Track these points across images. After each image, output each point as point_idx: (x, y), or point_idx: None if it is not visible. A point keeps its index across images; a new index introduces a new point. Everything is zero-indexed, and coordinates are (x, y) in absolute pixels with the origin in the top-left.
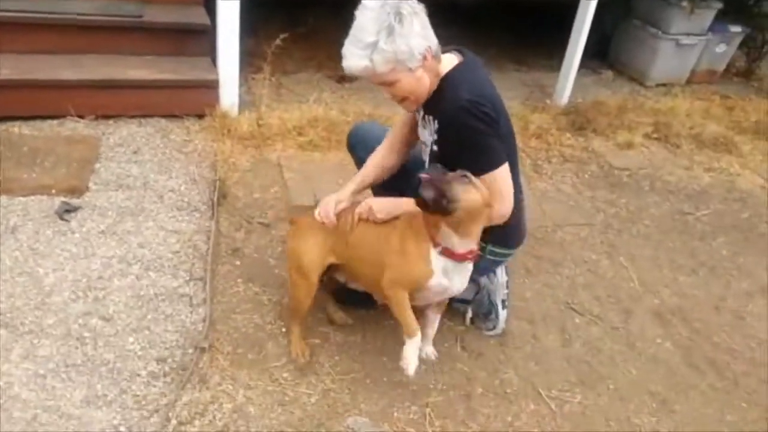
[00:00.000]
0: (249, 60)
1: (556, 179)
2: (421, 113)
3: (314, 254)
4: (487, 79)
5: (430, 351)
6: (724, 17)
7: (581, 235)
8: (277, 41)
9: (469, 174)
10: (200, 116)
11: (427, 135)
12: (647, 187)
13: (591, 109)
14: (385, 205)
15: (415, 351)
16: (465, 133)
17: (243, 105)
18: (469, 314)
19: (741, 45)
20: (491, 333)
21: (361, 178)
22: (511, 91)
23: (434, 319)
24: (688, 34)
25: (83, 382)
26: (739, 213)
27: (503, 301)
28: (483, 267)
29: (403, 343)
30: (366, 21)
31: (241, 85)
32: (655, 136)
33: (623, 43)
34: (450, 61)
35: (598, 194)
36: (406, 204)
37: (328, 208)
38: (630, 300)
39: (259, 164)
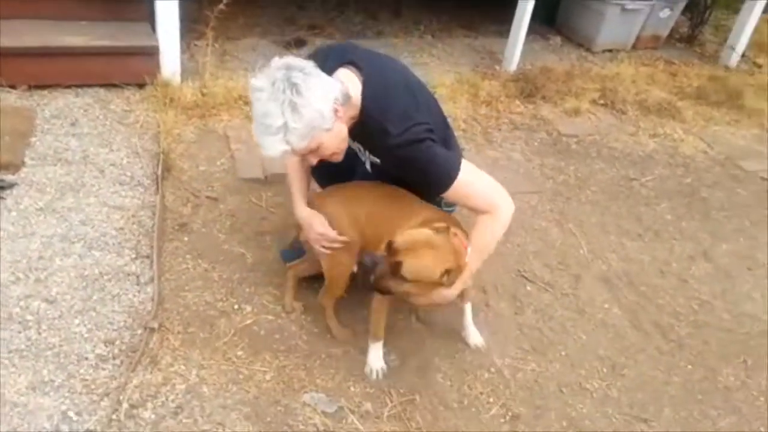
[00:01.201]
0: (191, 26)
1: (506, 147)
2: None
3: (353, 229)
4: (395, 82)
5: (477, 341)
6: None
7: (531, 204)
8: (221, 6)
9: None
10: (141, 85)
11: (360, 151)
12: (594, 153)
13: (540, 76)
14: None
15: (378, 356)
16: (408, 166)
17: (186, 73)
18: None
19: (684, 10)
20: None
21: (302, 191)
22: (461, 57)
23: (465, 312)
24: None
25: (28, 367)
26: (682, 178)
27: None
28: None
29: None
30: (263, 105)
31: (183, 52)
32: (601, 102)
33: (571, 8)
34: (353, 82)
35: (547, 161)
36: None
37: (325, 231)
38: (579, 266)
39: (204, 135)
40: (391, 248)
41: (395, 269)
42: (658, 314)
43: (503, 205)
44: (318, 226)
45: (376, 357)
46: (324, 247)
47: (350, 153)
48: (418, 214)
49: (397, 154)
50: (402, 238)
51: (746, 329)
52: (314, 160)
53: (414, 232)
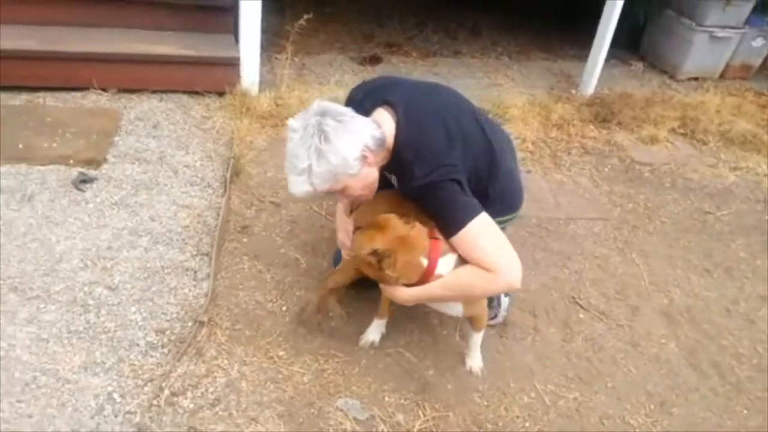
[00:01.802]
0: (273, 39)
1: (574, 171)
2: None
3: None
4: (430, 120)
5: (474, 365)
6: (762, 10)
7: (594, 230)
8: (301, 21)
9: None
10: (221, 94)
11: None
12: (668, 183)
13: (617, 101)
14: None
15: (375, 329)
16: (427, 204)
17: (264, 84)
18: None
19: None
20: (492, 322)
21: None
22: (537, 80)
23: (472, 335)
24: (723, 27)
25: (83, 348)
26: (762, 214)
27: None
28: None
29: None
30: (294, 146)
31: (263, 65)
32: (681, 131)
33: (656, 34)
34: (388, 123)
35: (616, 189)
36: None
37: (342, 240)
38: (638, 298)
39: (275, 144)
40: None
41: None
42: (719, 354)
43: (504, 270)
44: (340, 233)
45: (374, 331)
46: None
47: None
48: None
49: (416, 194)
50: (366, 215)
51: None
52: (344, 200)
53: (381, 216)
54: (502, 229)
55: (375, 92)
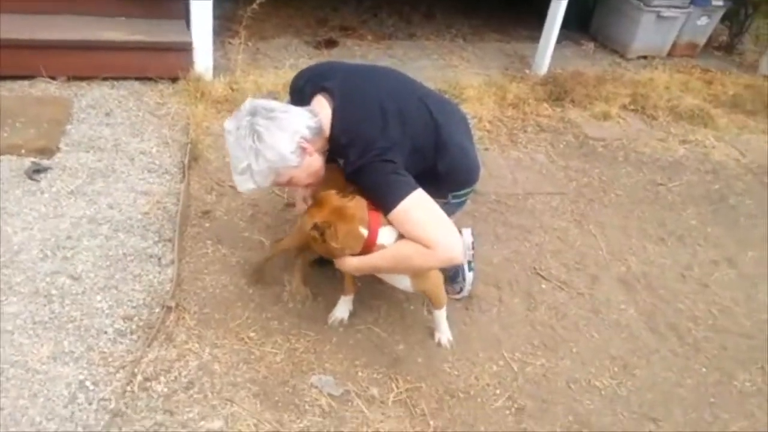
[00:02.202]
0: (226, 24)
1: (531, 148)
2: None
3: None
4: (368, 104)
5: (442, 339)
6: None
7: (552, 204)
8: (254, 5)
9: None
10: (174, 79)
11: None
12: (621, 157)
13: (570, 80)
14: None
15: (343, 306)
16: (363, 186)
17: (218, 69)
18: None
19: (723, 18)
20: (458, 297)
21: None
22: (491, 61)
23: (434, 311)
24: (669, 6)
25: (50, 338)
26: (711, 184)
27: (469, 263)
28: (451, 212)
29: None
30: (231, 148)
31: (217, 50)
32: (632, 107)
33: (605, 15)
34: (325, 110)
35: (572, 164)
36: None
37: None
38: (597, 267)
39: None
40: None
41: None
42: (676, 317)
43: (441, 246)
44: (298, 203)
45: (341, 308)
46: None
47: None
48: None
49: (353, 177)
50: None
51: (766, 336)
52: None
53: (320, 193)
54: (461, 203)
55: (315, 78)
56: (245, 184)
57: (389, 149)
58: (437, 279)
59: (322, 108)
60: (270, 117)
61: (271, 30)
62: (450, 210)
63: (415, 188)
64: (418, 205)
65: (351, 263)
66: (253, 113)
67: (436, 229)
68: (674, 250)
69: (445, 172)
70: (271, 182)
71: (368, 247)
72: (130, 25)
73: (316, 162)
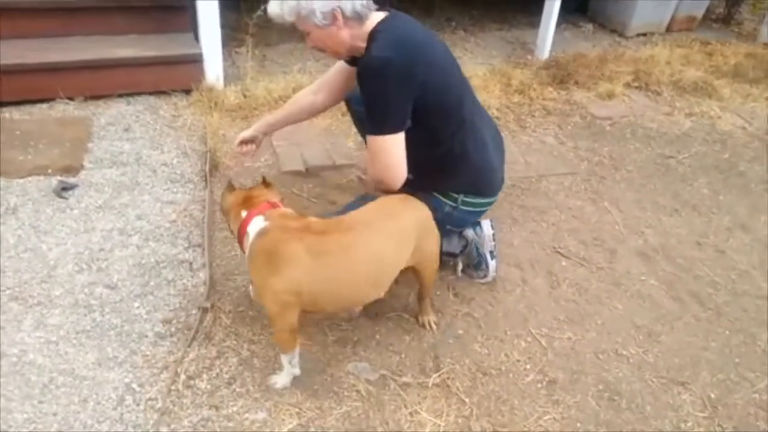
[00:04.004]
0: (232, 34)
1: (540, 132)
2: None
3: None
4: (409, 35)
5: (427, 320)
6: None
7: (565, 184)
8: (259, 12)
9: None
10: (187, 91)
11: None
12: (629, 134)
13: (572, 62)
14: None
15: (287, 371)
16: (364, 89)
17: (228, 78)
18: (460, 266)
19: None
20: (483, 281)
21: (274, 116)
22: (494, 50)
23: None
24: None
25: (94, 345)
26: (720, 154)
27: (491, 252)
28: (460, 218)
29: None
30: None
31: (225, 60)
32: (635, 84)
33: None
34: (378, 18)
35: (581, 144)
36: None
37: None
38: (614, 241)
39: None
40: None
41: None
42: (696, 284)
43: (386, 175)
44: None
45: (285, 376)
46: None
47: None
48: None
49: (363, 74)
50: None
51: None
52: (310, 45)
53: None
54: (472, 213)
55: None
56: (273, 6)
57: (406, 69)
58: (274, 306)
59: (376, 17)
60: None
61: (275, 37)
62: (459, 217)
63: (396, 129)
64: (382, 147)
65: None
66: None
67: (379, 169)
68: (689, 220)
69: (458, 159)
70: (293, 20)
71: (242, 228)
72: (140, 41)
73: (340, 36)
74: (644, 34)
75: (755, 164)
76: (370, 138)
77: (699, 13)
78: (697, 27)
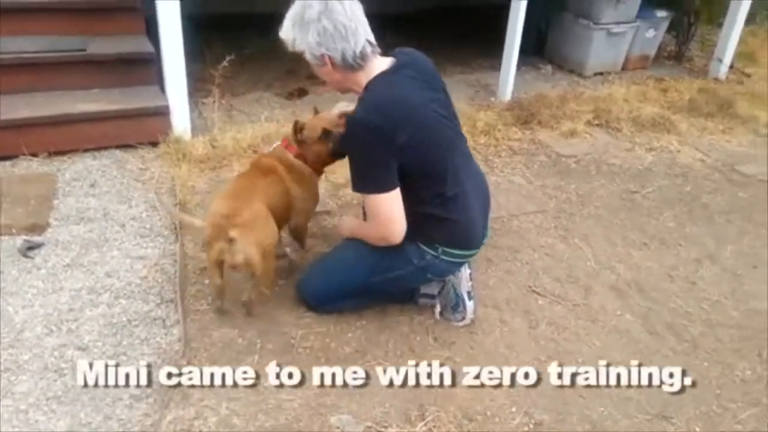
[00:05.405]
0: (197, 85)
1: (507, 172)
2: None
3: None
4: (397, 97)
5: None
6: (650, 3)
7: (536, 222)
8: (224, 63)
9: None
10: (154, 144)
11: None
12: (594, 171)
13: (534, 103)
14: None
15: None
16: (348, 149)
17: (196, 130)
18: (438, 308)
19: (669, 29)
20: (461, 324)
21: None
22: (457, 93)
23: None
24: (618, 23)
25: (66, 412)
26: (682, 187)
27: (468, 293)
28: (441, 268)
29: None
30: (293, 4)
31: (192, 111)
32: (596, 122)
33: (558, 37)
34: (380, 67)
35: (548, 182)
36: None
37: None
38: (588, 278)
39: (217, 185)
40: None
41: None
42: (670, 317)
43: (382, 231)
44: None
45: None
46: None
47: None
48: None
49: (347, 133)
50: None
51: (757, 325)
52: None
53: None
54: (452, 264)
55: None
56: (282, 32)
57: (386, 134)
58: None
59: (380, 64)
60: (319, 19)
61: (241, 86)
62: (440, 267)
63: (383, 190)
64: (376, 205)
65: (347, 228)
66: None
67: (377, 226)
68: (658, 253)
69: (439, 218)
70: (292, 48)
71: None
72: (105, 95)
73: (334, 76)
74: (601, 73)
75: (717, 195)
76: (365, 197)
77: (652, 51)
78: (650, 65)
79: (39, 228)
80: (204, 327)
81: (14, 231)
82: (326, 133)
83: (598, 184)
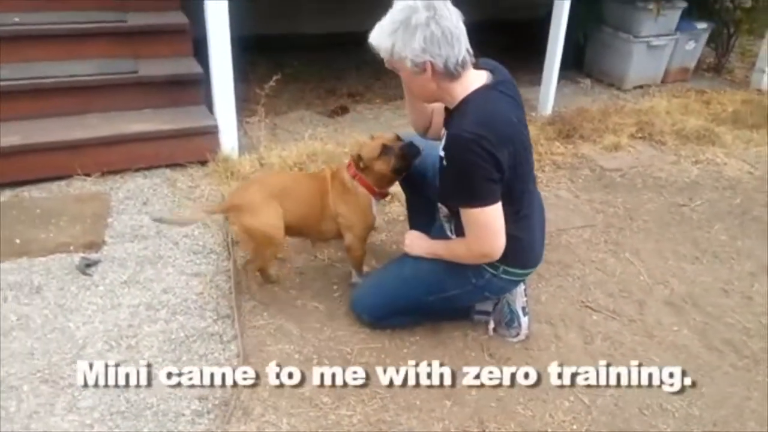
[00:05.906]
0: (242, 105)
1: (552, 186)
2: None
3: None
4: (499, 115)
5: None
6: (689, 15)
7: (585, 237)
8: (271, 83)
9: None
10: (203, 162)
11: (440, 147)
12: (640, 184)
13: (575, 117)
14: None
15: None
16: (456, 163)
17: (242, 149)
18: (492, 325)
19: (709, 41)
20: (515, 339)
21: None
22: None
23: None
24: (657, 36)
25: (130, 427)
26: (731, 199)
27: (523, 308)
28: (499, 287)
29: None
30: (393, 10)
31: (238, 129)
32: (639, 135)
33: (597, 51)
34: (478, 80)
35: (595, 196)
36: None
37: None
38: (641, 292)
39: None
40: None
41: None
42: (729, 332)
43: (484, 247)
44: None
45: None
46: None
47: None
48: None
49: (457, 148)
50: None
51: None
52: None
53: None
54: (511, 282)
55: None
56: (372, 38)
57: (493, 154)
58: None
59: (477, 78)
60: (427, 24)
61: (284, 106)
62: (498, 285)
63: (489, 203)
64: (479, 219)
65: (421, 247)
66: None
67: (477, 241)
68: (711, 267)
69: (508, 240)
70: (385, 57)
71: None
72: (155, 115)
73: (428, 86)
74: (641, 87)
75: None
76: (465, 211)
77: (692, 64)
78: (690, 77)
79: (95, 245)
80: (261, 342)
81: (72, 249)
82: (386, 149)
83: (646, 197)
